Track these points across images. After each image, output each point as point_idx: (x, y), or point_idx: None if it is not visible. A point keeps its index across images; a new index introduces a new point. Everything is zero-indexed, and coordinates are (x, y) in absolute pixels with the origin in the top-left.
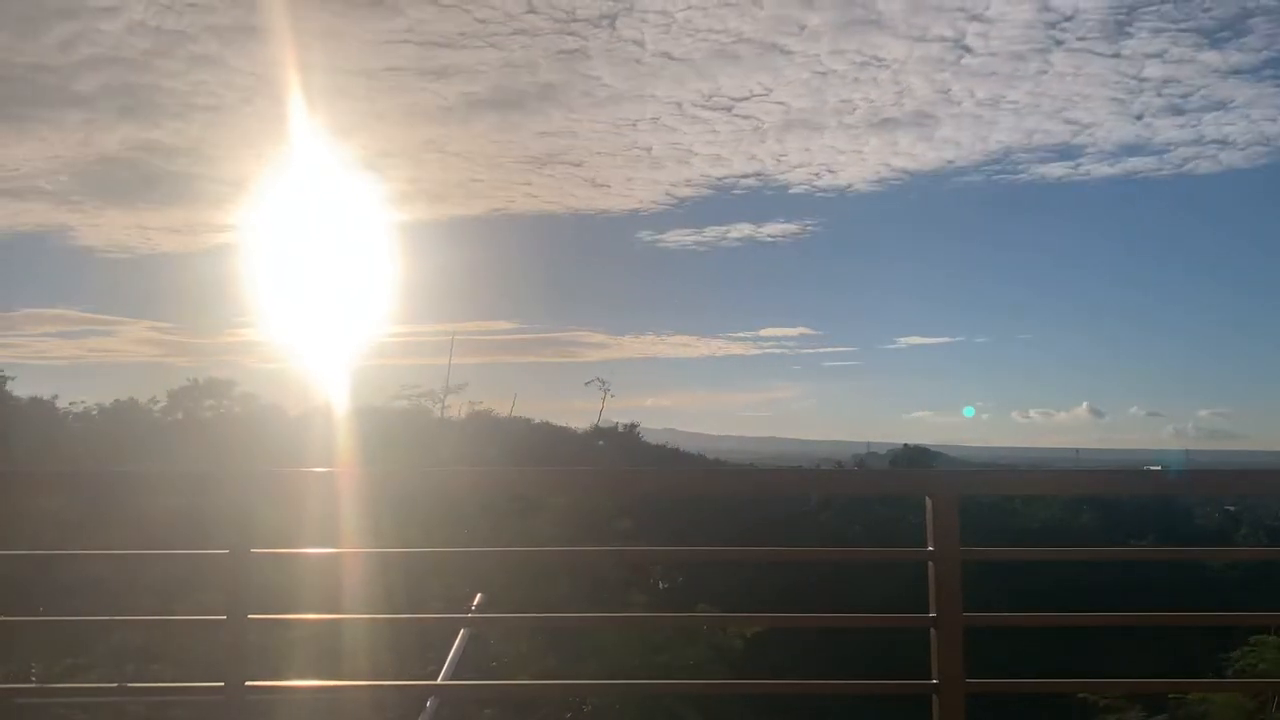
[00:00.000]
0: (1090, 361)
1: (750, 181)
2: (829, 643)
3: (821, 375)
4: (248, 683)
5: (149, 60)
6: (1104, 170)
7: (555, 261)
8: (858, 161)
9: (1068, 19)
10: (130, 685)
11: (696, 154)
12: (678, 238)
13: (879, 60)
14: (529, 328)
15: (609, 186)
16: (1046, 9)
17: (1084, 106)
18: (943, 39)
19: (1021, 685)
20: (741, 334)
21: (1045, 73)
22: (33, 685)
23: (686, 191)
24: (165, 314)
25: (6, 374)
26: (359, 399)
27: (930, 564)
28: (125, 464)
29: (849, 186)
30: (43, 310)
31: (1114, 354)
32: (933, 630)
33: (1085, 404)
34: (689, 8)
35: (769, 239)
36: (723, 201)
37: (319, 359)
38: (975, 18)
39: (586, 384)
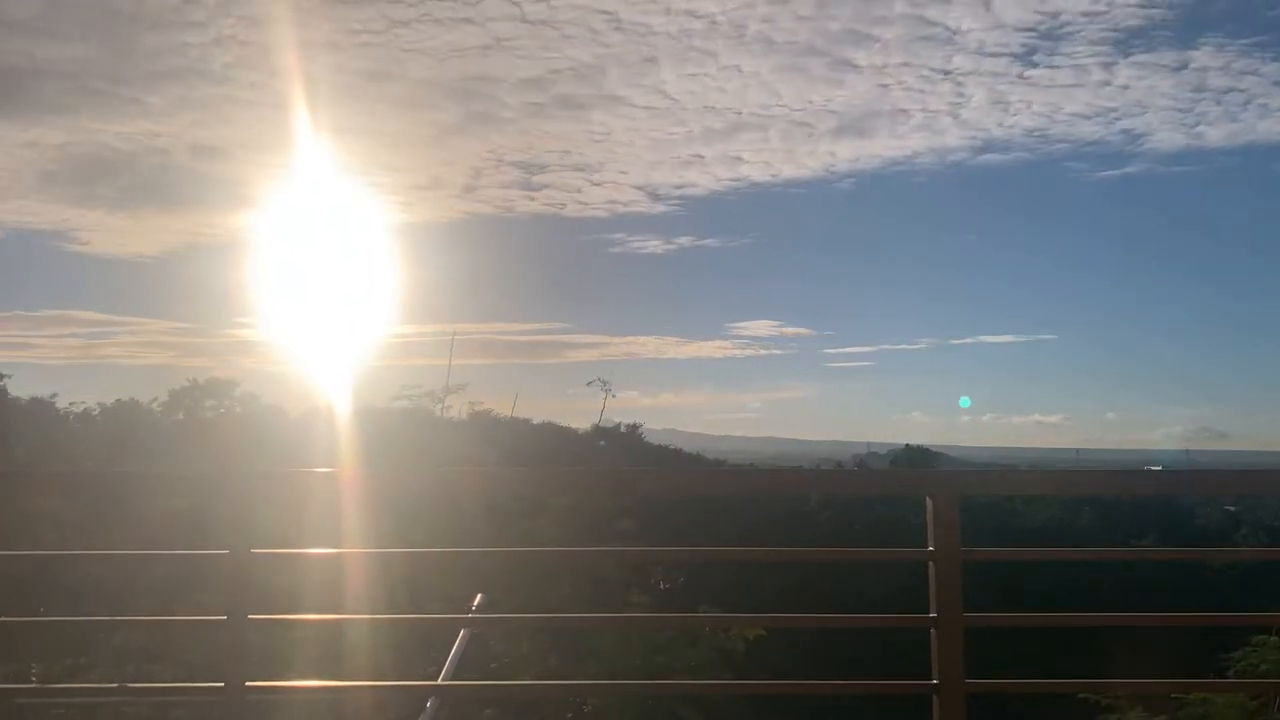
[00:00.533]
0: (1090, 362)
1: (750, 181)
2: (829, 643)
3: (823, 375)
4: (248, 683)
5: (150, 61)
6: (1104, 173)
7: (556, 262)
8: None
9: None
10: (131, 685)
11: (695, 154)
12: (679, 238)
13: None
14: (530, 328)
15: (609, 187)
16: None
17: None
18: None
19: (1021, 685)
20: (742, 334)
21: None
22: (33, 685)
23: (686, 192)
24: (166, 315)
25: (6, 374)
26: (360, 399)
27: (930, 564)
28: (126, 464)
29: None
30: (43, 311)
31: (1114, 354)
32: (933, 630)
33: (1086, 405)
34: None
35: (770, 238)
36: (724, 201)
37: (320, 359)
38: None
39: (588, 384)
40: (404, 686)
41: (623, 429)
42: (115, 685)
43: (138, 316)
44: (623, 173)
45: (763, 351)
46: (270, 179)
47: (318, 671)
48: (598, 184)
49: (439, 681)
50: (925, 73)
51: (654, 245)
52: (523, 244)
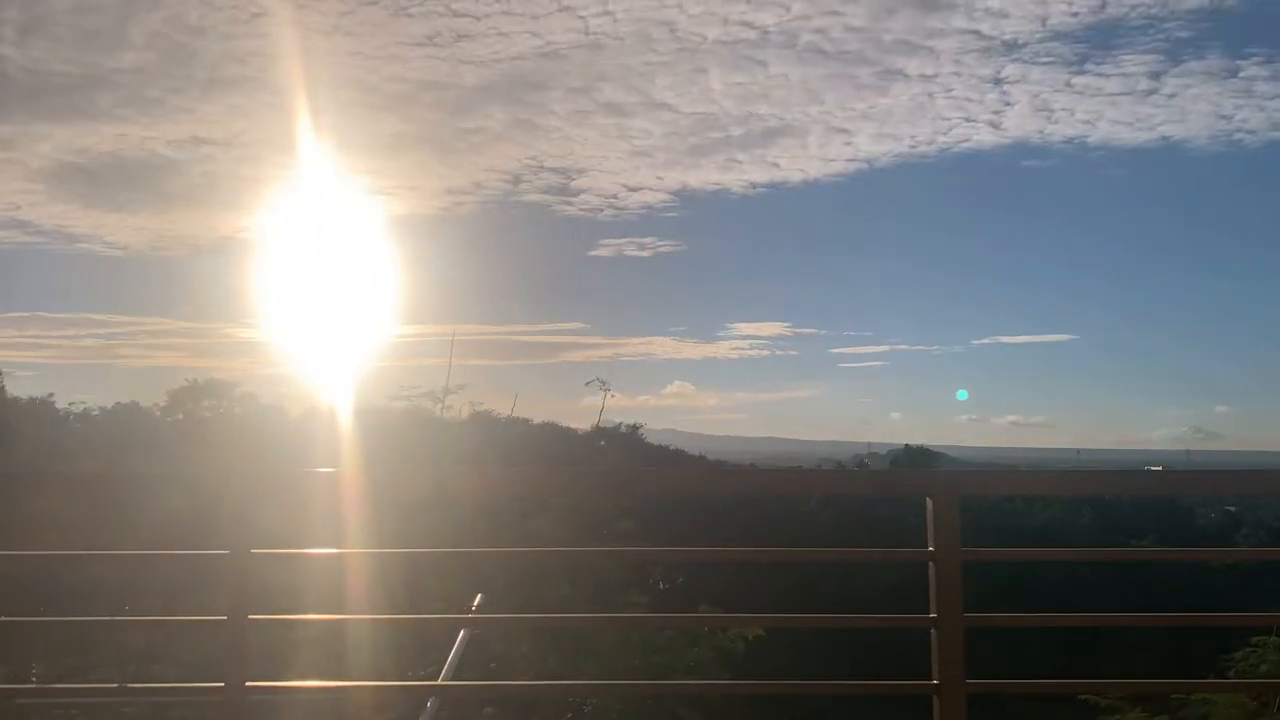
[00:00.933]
0: (1091, 363)
1: (750, 181)
2: (829, 643)
3: (824, 375)
4: (248, 683)
5: (153, 64)
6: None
7: (557, 262)
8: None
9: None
10: (131, 686)
11: (691, 156)
12: (681, 238)
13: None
14: (531, 328)
15: (610, 187)
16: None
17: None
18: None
19: (1022, 686)
20: (743, 334)
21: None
22: (33, 685)
23: (686, 192)
24: (166, 316)
25: (6, 374)
26: (359, 399)
27: (930, 564)
28: (126, 464)
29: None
30: (44, 311)
31: (1117, 355)
32: (933, 630)
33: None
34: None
35: (772, 239)
36: (725, 201)
37: (319, 360)
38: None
39: (587, 384)
40: (404, 686)
41: (623, 429)
42: (115, 685)
43: (138, 317)
44: (623, 173)
45: (764, 352)
46: (270, 180)
47: (318, 671)
48: (599, 184)
49: (439, 681)
50: (973, 81)
51: (655, 245)
52: (524, 244)
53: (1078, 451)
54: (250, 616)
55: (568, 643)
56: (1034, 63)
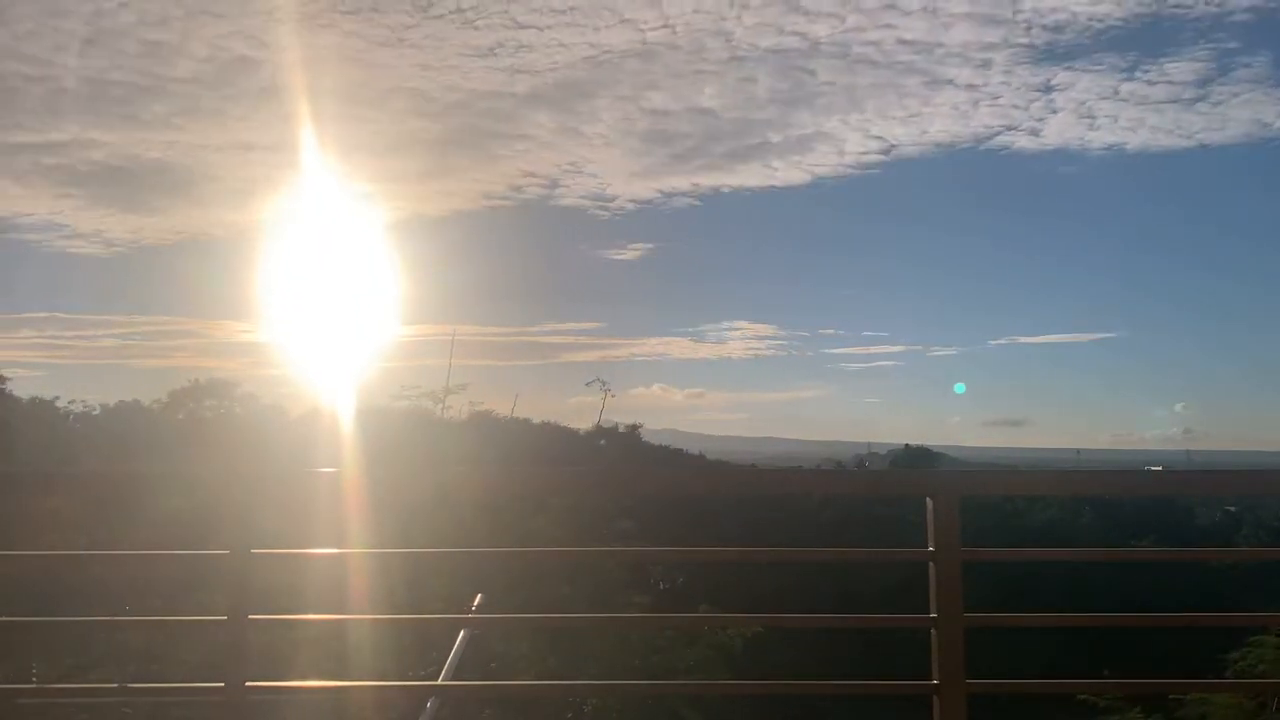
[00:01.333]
0: (1093, 362)
1: (749, 180)
2: (829, 643)
3: (824, 376)
4: (248, 683)
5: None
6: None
7: (557, 262)
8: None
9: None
10: (131, 685)
11: (691, 157)
12: (681, 238)
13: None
14: (531, 329)
15: (610, 187)
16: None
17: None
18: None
19: (1021, 685)
20: (744, 334)
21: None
22: (33, 685)
23: (692, 193)
24: (167, 316)
25: (6, 374)
26: (360, 400)
27: (931, 564)
28: (126, 464)
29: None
30: (45, 312)
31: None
32: (933, 630)
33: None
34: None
35: (771, 240)
36: (727, 201)
37: (320, 360)
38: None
39: (587, 384)
40: (404, 686)
41: (623, 429)
42: (115, 685)
43: (138, 316)
44: (622, 173)
45: (765, 352)
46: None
47: (318, 671)
48: (599, 185)
49: (439, 681)
50: (1018, 88)
51: (656, 246)
52: (524, 244)
53: (1077, 451)
54: (250, 616)
55: (568, 643)
56: (1085, 70)
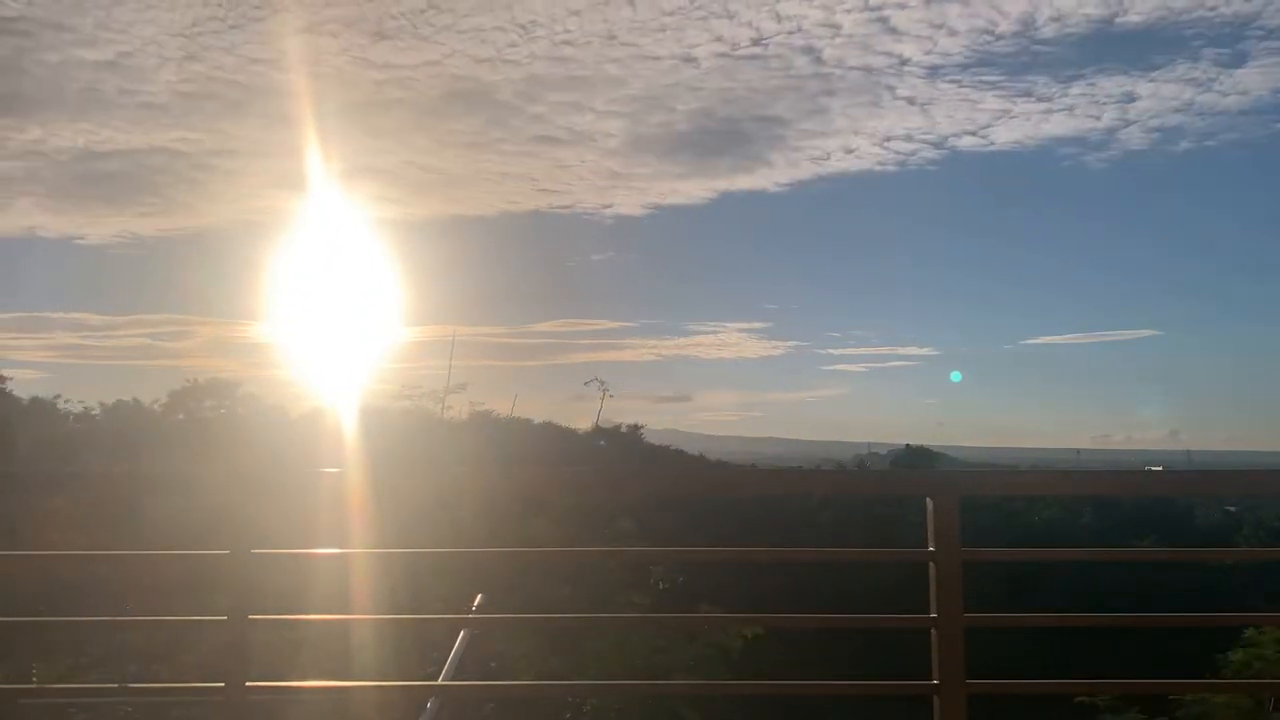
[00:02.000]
0: (1093, 363)
1: (750, 180)
2: (829, 643)
3: (824, 376)
4: (248, 683)
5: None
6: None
7: (558, 263)
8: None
9: None
10: (131, 685)
11: (692, 157)
12: (682, 238)
13: None
14: (531, 329)
15: (610, 186)
16: None
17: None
18: None
19: (1022, 685)
20: (744, 335)
21: None
22: (34, 685)
23: (686, 193)
24: (168, 316)
25: (6, 374)
26: (361, 400)
27: (931, 564)
28: (126, 464)
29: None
30: (45, 311)
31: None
32: (933, 630)
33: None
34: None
35: (772, 240)
36: (728, 201)
37: (322, 361)
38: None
39: (586, 384)
40: (404, 686)
41: (623, 429)
42: (115, 685)
43: (139, 316)
44: (622, 173)
45: (765, 352)
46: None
47: (318, 672)
48: (600, 184)
49: (439, 681)
50: (1044, 80)
51: (657, 246)
52: (523, 245)
53: (1078, 451)
54: (251, 617)
55: (568, 643)
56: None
